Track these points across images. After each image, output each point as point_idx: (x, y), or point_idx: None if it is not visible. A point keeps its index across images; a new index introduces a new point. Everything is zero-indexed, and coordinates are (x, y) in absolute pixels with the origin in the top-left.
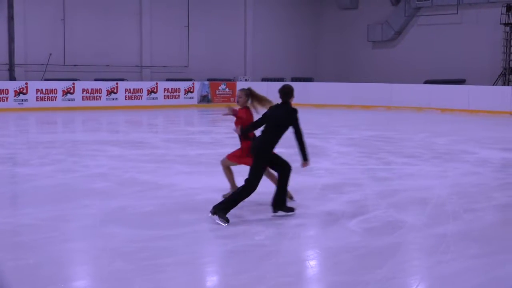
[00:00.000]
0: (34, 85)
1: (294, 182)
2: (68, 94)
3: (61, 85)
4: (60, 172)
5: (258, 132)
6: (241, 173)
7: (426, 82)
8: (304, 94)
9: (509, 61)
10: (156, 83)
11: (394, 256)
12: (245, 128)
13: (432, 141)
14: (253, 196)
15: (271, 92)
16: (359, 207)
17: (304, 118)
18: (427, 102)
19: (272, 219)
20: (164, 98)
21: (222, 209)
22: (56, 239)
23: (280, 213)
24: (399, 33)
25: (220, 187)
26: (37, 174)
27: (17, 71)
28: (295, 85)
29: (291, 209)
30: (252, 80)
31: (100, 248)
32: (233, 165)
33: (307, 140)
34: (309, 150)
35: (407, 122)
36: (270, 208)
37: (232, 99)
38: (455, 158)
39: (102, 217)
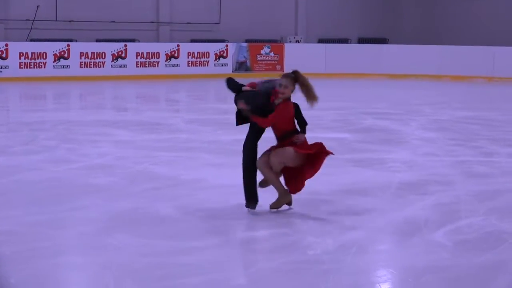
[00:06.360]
0: (16, 47)
1: (362, 178)
2: (62, 59)
3: (52, 47)
4: (51, 163)
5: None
6: None
7: None
8: (375, 61)
9: None
10: (178, 45)
11: (496, 279)
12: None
13: None
14: (303, 197)
15: (329, 57)
16: (448, 213)
17: (375, 93)
18: None
19: (330, 227)
20: (188, 65)
21: None
22: (45, 252)
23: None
24: None
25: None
26: (21, 166)
27: None
28: (364, 47)
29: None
30: (306, 42)
31: (104, 264)
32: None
33: (379, 122)
34: (381, 135)
35: None
36: (326, 213)
37: (278, 66)
38: None
39: (106, 223)
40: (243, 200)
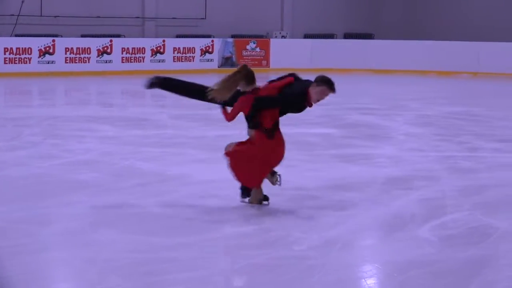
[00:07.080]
0: (1, 43)
1: (347, 173)
2: (47, 55)
3: (37, 43)
4: (36, 159)
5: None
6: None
7: None
8: (361, 56)
9: None
10: (163, 41)
11: (480, 274)
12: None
13: None
14: (289, 192)
15: (315, 53)
16: (434, 208)
17: (361, 88)
18: None
19: (316, 223)
20: (174, 61)
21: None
22: (30, 248)
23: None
24: None
25: None
26: (5, 162)
27: None
28: (350, 43)
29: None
30: (292, 37)
31: (89, 259)
32: None
33: (364, 117)
34: (367, 131)
35: (501, 95)
36: (311, 209)
37: (264, 62)
38: None
39: (91, 219)
40: (229, 196)
